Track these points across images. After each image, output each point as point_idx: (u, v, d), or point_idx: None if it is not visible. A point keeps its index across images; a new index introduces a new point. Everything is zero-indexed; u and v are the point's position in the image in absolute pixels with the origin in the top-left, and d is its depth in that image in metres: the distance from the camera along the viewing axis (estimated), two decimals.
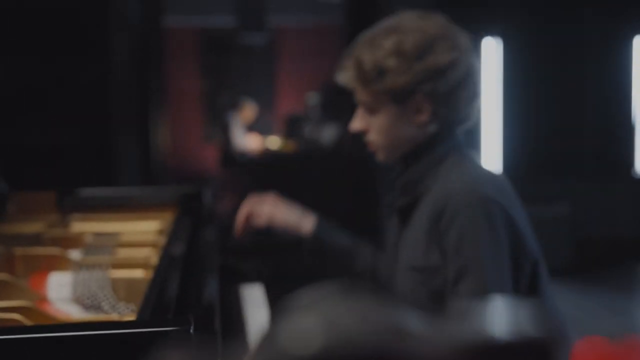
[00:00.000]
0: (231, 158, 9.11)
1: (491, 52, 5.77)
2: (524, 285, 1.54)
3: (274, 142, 9.12)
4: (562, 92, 6.02)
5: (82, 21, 5.65)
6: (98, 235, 2.08)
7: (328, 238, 1.86)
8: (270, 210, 1.86)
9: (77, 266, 1.69)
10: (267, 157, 7.95)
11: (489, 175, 1.58)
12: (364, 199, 6.10)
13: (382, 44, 1.59)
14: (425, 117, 1.61)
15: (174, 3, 8.49)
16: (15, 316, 1.16)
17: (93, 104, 5.72)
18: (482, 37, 5.73)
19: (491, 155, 5.77)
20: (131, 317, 1.24)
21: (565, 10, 5.97)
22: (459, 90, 1.60)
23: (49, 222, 2.11)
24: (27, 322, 1.15)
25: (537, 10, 5.95)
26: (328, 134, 8.23)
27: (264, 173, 7.66)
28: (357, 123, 1.68)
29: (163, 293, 1.20)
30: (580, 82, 5.98)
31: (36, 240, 1.90)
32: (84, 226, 2.18)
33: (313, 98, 9.21)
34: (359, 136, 1.71)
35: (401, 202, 1.67)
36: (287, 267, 5.05)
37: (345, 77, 1.66)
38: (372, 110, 1.64)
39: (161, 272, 1.33)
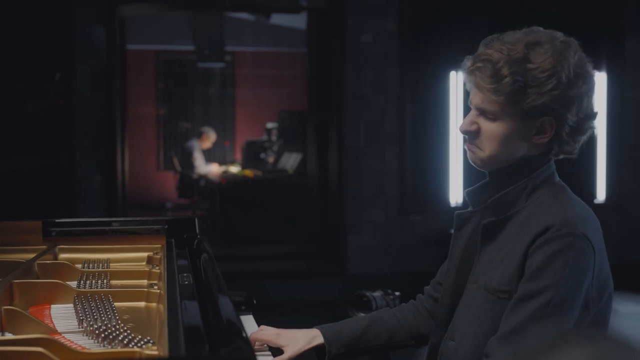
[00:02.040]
0: (190, 185, 9.06)
1: (457, 85, 5.86)
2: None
3: (234, 168, 9.11)
4: None
5: (46, 48, 5.59)
6: (90, 265, 2.06)
7: (344, 343, 1.84)
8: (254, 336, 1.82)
9: (78, 297, 1.67)
10: (228, 183, 7.92)
11: (586, 212, 1.59)
12: (327, 223, 6.11)
13: (526, 57, 1.56)
14: (545, 139, 1.60)
15: (133, 29, 8.45)
16: (41, 350, 1.15)
17: (54, 130, 5.65)
18: (448, 70, 5.82)
19: (454, 183, 5.85)
20: (153, 350, 1.23)
21: None
22: (586, 121, 1.61)
23: (36, 252, 2.08)
24: (54, 356, 1.14)
25: None
26: (288, 159, 8.25)
27: (225, 199, 7.63)
28: (468, 125, 1.64)
29: (187, 324, 1.19)
30: None
31: (28, 270, 1.87)
32: (73, 256, 2.15)
33: (272, 124, 9.24)
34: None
35: (490, 221, 1.64)
36: (276, 295, 5.04)
37: (475, 79, 1.61)
38: (491, 118, 1.61)
39: (178, 303, 1.32)
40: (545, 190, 1.61)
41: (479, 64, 1.60)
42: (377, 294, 2.21)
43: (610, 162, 6.18)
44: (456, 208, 6.02)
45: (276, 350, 1.81)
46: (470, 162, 1.69)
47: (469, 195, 1.74)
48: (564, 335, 0.43)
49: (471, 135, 1.64)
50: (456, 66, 6.05)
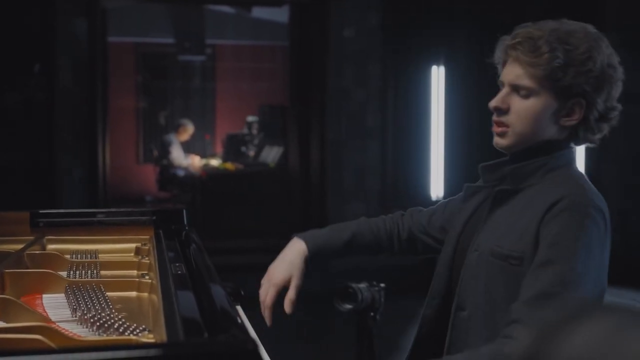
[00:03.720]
0: (170, 178, 9.04)
1: (439, 80, 5.91)
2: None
3: (215, 161, 9.10)
4: None
5: (26, 40, 5.56)
6: (79, 255, 2.06)
7: (324, 252, 1.94)
8: (277, 284, 1.86)
9: (70, 287, 1.67)
10: (209, 177, 7.92)
11: (600, 195, 1.63)
12: (309, 216, 6.13)
13: (569, 39, 1.61)
14: (573, 122, 1.65)
15: (113, 21, 8.40)
16: (38, 337, 1.16)
17: (35, 123, 5.62)
18: (430, 65, 5.86)
19: (435, 178, 5.89)
20: (150, 338, 1.25)
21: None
22: (611, 111, 1.66)
23: (24, 243, 2.08)
24: (51, 343, 1.15)
25: (479, 39, 6.13)
26: (269, 153, 8.26)
27: (206, 192, 7.63)
28: (499, 102, 1.68)
29: (183, 312, 1.21)
30: None
31: (18, 261, 1.87)
32: (61, 247, 2.15)
33: (253, 118, 9.24)
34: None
35: (504, 187, 1.68)
36: (257, 288, 5.02)
37: (515, 53, 1.64)
38: (525, 95, 1.64)
39: (173, 292, 1.34)
40: (562, 172, 1.65)
41: (520, 39, 1.64)
42: (363, 285, 2.24)
43: (588, 157, 6.24)
44: (437, 202, 6.07)
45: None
46: (496, 145, 1.71)
47: (483, 170, 1.77)
48: (588, 306, 0.45)
49: (500, 112, 1.67)
50: (438, 61, 6.10)
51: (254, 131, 9.15)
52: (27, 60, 5.64)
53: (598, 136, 1.69)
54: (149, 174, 10.16)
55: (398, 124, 5.88)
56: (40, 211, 2.26)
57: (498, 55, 1.72)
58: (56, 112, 5.57)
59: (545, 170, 1.65)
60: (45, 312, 1.55)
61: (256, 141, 8.96)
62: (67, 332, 1.31)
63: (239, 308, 2.09)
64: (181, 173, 8.88)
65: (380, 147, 5.92)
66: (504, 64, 1.70)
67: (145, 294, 1.67)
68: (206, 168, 8.69)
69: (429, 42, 5.91)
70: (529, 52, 1.61)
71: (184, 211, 2.26)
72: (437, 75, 5.93)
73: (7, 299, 1.46)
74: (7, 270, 1.70)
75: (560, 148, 1.67)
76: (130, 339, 1.24)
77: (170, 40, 10.30)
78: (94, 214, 2.31)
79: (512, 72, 1.66)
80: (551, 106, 1.63)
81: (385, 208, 5.91)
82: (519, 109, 1.65)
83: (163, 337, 1.14)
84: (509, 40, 1.68)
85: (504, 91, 1.68)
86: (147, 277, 1.73)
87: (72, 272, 1.85)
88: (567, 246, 1.52)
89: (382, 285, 2.22)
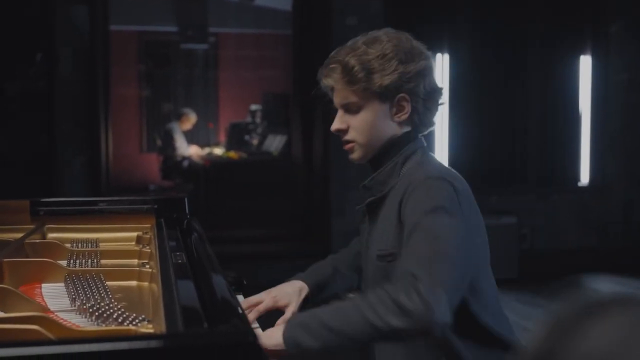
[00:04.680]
0: (173, 167, 9.03)
1: (442, 68, 5.87)
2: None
3: (218, 150, 9.08)
4: (507, 106, 6.15)
5: (27, 28, 5.53)
6: (79, 244, 2.04)
7: (322, 290, 2.00)
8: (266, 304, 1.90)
9: (69, 276, 1.65)
10: (212, 165, 7.89)
11: (447, 170, 1.76)
12: (311, 205, 6.11)
13: (367, 50, 1.77)
14: (405, 115, 1.79)
15: (115, 9, 8.36)
16: (36, 327, 1.13)
17: (36, 112, 5.59)
18: (434, 53, 5.82)
19: None
20: (149, 328, 1.23)
21: (511, 26, 6.12)
22: (434, 94, 1.82)
23: (24, 231, 2.06)
24: (49, 333, 1.13)
25: (482, 27, 6.08)
26: (272, 141, 8.24)
27: (209, 181, 7.61)
28: (338, 124, 1.83)
29: (183, 302, 1.18)
30: (525, 97, 6.13)
31: (18, 249, 1.86)
32: (62, 235, 2.14)
33: (256, 106, 9.22)
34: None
35: (369, 200, 1.82)
36: (260, 277, 5.01)
37: (330, 80, 1.81)
38: (355, 110, 1.80)
39: (173, 282, 1.32)
40: (414, 163, 1.78)
41: (330, 67, 1.81)
42: None
43: (594, 145, 6.22)
44: None
45: (266, 324, 1.83)
46: (351, 160, 1.87)
47: (364, 189, 1.87)
48: (603, 300, 0.43)
49: (343, 132, 1.83)
50: (442, 48, 6.05)
51: (258, 120, 9.13)
52: (28, 49, 5.60)
53: (434, 117, 1.85)
54: (152, 163, 10.14)
55: None
56: (41, 200, 2.24)
57: (323, 86, 1.87)
58: (57, 101, 5.54)
59: (399, 168, 1.79)
60: (44, 301, 1.53)
61: (259, 130, 8.94)
62: (65, 322, 1.29)
63: (240, 297, 2.07)
64: (184, 162, 8.86)
65: None
66: (332, 91, 1.85)
67: (146, 284, 1.65)
68: (209, 157, 8.67)
69: (433, 29, 5.86)
70: (340, 74, 1.78)
71: (186, 199, 2.23)
72: (442, 63, 5.89)
73: (5, 288, 1.44)
74: (6, 260, 1.68)
75: (405, 142, 1.81)
76: (130, 329, 1.22)
77: (173, 29, 10.26)
78: (94, 203, 2.29)
79: (338, 96, 1.83)
80: (380, 110, 1.79)
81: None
82: (355, 124, 1.81)
83: (162, 327, 1.12)
84: (322, 73, 1.84)
85: (339, 114, 1.84)
86: (147, 266, 1.71)
87: (72, 261, 1.83)
88: (420, 212, 1.61)
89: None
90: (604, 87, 6.12)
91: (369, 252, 1.81)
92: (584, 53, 6.18)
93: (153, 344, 0.89)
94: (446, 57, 5.95)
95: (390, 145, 1.80)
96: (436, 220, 1.59)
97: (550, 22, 6.16)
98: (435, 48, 5.79)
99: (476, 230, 1.72)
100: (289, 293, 1.92)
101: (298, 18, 6.49)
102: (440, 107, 1.85)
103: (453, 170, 1.78)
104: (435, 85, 1.83)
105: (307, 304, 1.94)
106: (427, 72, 1.80)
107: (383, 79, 1.75)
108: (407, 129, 1.81)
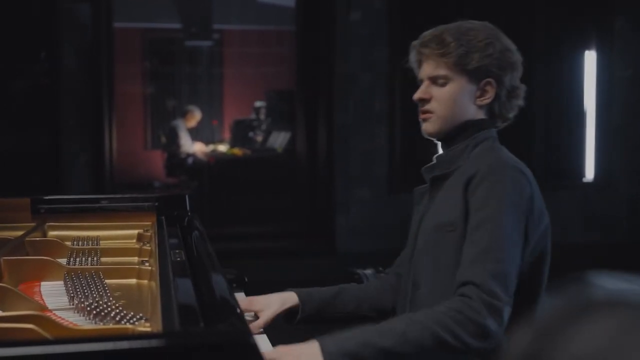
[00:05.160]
0: (178, 164, 9.02)
1: None
2: (528, 263, 1.72)
3: (222, 147, 9.07)
4: None
5: (31, 26, 5.52)
6: (80, 242, 2.04)
7: (315, 306, 1.93)
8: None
9: (68, 274, 1.65)
10: (216, 162, 7.88)
11: (520, 162, 1.81)
12: (316, 201, 6.10)
13: (470, 31, 1.85)
14: (487, 100, 1.86)
15: (119, 7, 8.36)
16: (31, 326, 1.13)
17: (40, 109, 5.59)
18: None
19: None
20: (146, 327, 1.22)
21: (515, 22, 6.09)
22: (518, 90, 1.89)
23: (25, 229, 2.06)
24: (44, 332, 1.12)
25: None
26: (276, 138, 8.23)
27: (214, 178, 7.60)
28: (421, 93, 1.88)
29: (180, 301, 1.17)
30: (529, 92, 6.10)
31: (18, 247, 1.85)
32: (62, 233, 2.13)
33: (260, 103, 9.20)
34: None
35: (436, 173, 1.87)
36: (265, 274, 5.02)
37: (426, 50, 1.87)
38: (442, 83, 1.85)
39: (171, 280, 1.31)
40: (484, 149, 1.83)
41: (429, 38, 1.88)
42: (369, 271, 2.23)
43: (599, 141, 6.19)
44: None
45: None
46: (423, 133, 1.91)
47: (425, 172, 1.93)
48: (593, 301, 0.42)
49: (424, 102, 1.88)
50: None
51: (262, 116, 9.11)
52: (32, 46, 5.60)
53: (512, 113, 1.91)
54: (156, 160, 10.14)
55: (405, 108, 5.82)
56: (41, 197, 2.24)
57: (413, 59, 1.94)
58: (61, 99, 5.54)
59: (469, 151, 1.84)
60: (43, 300, 1.52)
61: (264, 126, 8.92)
62: (62, 321, 1.28)
63: (241, 294, 2.06)
64: (189, 159, 8.85)
65: (388, 132, 5.87)
66: (420, 64, 1.92)
67: (146, 282, 1.64)
68: (214, 154, 8.66)
69: (436, 25, 5.84)
70: (436, 46, 1.85)
71: (187, 197, 2.23)
72: None
73: (3, 287, 1.43)
74: (5, 258, 1.68)
75: (480, 128, 1.86)
76: (127, 328, 1.21)
77: (177, 26, 10.25)
78: (95, 200, 2.29)
79: (428, 67, 1.88)
80: (466, 88, 1.85)
81: (393, 193, 5.88)
82: (439, 95, 1.86)
83: (159, 325, 1.12)
84: (418, 42, 1.91)
85: (424, 84, 1.89)
86: (147, 264, 1.70)
87: (72, 259, 1.82)
88: (492, 206, 1.68)
89: (388, 271, 2.19)
90: (609, 82, 6.09)
91: (423, 225, 1.84)
92: (588, 48, 6.15)
93: (146, 343, 0.89)
94: None
95: (465, 127, 1.86)
96: (508, 219, 1.66)
97: (554, 18, 6.14)
98: None
99: (542, 212, 1.78)
100: (269, 300, 1.88)
101: (302, 14, 6.47)
102: (520, 103, 1.90)
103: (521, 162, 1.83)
104: (520, 83, 1.90)
105: (294, 317, 1.90)
106: (517, 67, 1.88)
107: (480, 59, 1.81)
108: (484, 115, 1.88)
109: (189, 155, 8.89)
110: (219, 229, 6.47)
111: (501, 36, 1.88)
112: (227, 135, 10.15)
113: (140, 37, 10.50)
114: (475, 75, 1.84)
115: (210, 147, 9.13)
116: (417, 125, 1.95)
